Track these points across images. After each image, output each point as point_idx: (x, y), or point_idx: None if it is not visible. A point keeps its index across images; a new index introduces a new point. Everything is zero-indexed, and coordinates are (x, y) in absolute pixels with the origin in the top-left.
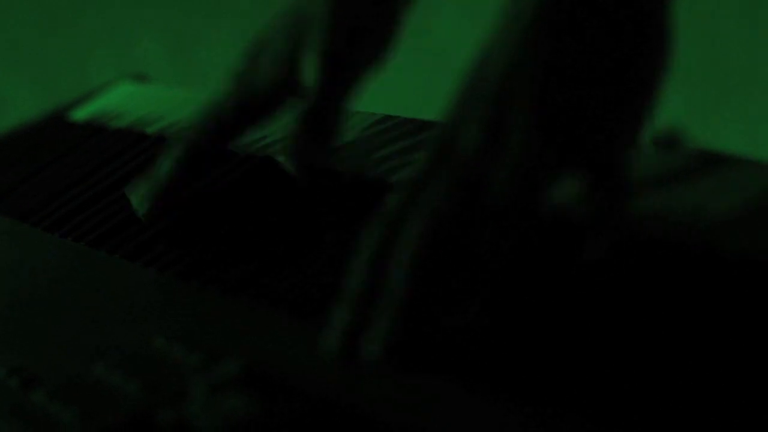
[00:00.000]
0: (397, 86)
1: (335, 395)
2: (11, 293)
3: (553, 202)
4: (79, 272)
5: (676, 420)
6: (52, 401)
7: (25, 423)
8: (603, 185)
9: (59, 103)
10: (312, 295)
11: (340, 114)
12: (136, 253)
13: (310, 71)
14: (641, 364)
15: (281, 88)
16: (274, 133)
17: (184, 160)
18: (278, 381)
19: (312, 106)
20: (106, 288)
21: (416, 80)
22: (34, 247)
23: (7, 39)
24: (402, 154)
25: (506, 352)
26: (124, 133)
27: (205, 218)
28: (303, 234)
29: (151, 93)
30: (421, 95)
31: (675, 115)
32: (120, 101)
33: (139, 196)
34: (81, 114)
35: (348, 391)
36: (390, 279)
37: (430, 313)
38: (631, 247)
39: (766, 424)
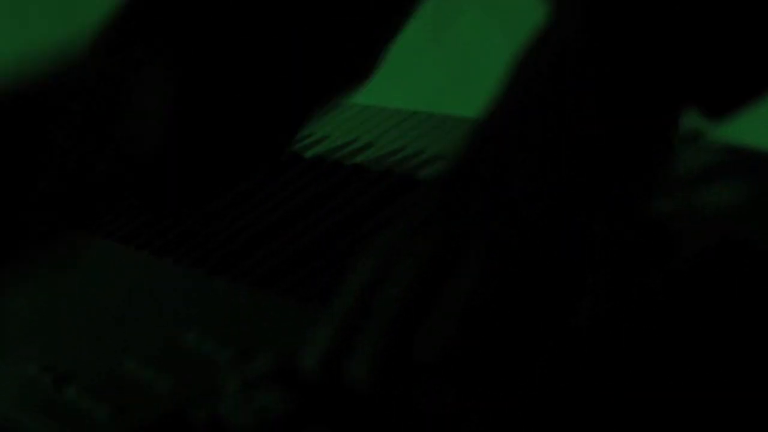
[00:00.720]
0: (420, 82)
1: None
2: (41, 290)
3: None
4: (110, 268)
5: None
6: (84, 398)
7: (57, 420)
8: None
9: None
10: None
11: None
12: (166, 249)
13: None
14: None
15: None
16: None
17: None
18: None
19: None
20: (137, 284)
21: (439, 76)
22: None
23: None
24: (427, 150)
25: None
26: None
27: (239, 212)
28: (336, 231)
29: None
30: (445, 91)
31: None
32: None
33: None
34: None
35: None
36: (379, 303)
37: (412, 340)
38: (656, 243)
39: None
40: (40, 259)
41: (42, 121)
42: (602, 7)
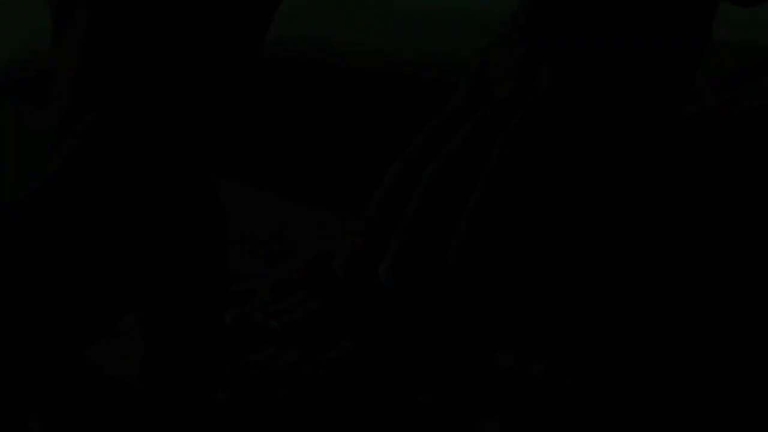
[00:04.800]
0: None
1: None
2: None
3: None
4: None
5: None
6: None
7: None
8: None
9: None
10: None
11: None
12: None
13: None
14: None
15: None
16: None
17: None
18: (340, 277)
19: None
20: None
21: None
22: None
23: None
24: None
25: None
26: None
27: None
28: (368, 136)
29: None
30: None
31: None
32: None
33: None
34: None
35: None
36: (409, 205)
37: (436, 240)
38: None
39: None
40: None
41: None
42: None
